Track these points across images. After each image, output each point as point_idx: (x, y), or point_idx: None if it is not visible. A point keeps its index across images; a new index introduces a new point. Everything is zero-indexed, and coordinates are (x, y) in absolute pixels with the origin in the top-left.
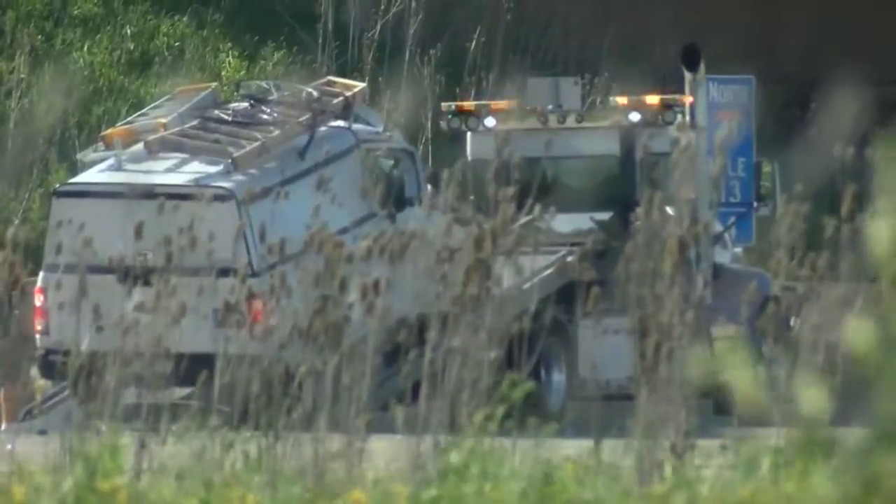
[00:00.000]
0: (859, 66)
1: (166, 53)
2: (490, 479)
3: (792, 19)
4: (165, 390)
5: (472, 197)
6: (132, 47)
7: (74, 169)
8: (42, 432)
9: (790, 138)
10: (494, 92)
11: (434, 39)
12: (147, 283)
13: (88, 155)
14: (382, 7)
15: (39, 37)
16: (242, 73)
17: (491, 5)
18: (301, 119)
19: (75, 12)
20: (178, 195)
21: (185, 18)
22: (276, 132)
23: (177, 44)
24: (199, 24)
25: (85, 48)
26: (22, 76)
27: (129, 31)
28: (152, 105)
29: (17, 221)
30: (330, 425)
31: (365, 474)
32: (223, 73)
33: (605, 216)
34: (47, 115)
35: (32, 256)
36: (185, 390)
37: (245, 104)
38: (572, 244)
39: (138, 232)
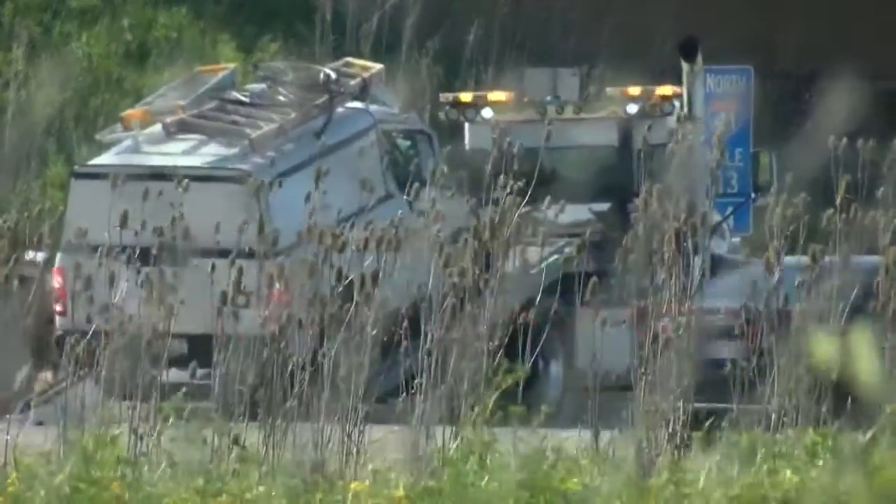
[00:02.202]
0: (856, 61)
1: (164, 44)
2: (488, 470)
3: (790, 15)
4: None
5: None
6: (130, 38)
7: (72, 160)
8: (39, 423)
9: (788, 129)
10: (493, 84)
11: (432, 31)
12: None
13: (107, 136)
14: None
15: (37, 28)
16: (239, 64)
17: None
18: (318, 101)
19: (73, 4)
20: (196, 177)
21: (182, 10)
22: (294, 114)
23: (174, 35)
24: (197, 15)
25: (83, 39)
26: (19, 68)
27: (126, 23)
28: (170, 86)
29: (15, 213)
30: (328, 415)
31: (363, 465)
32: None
33: (603, 207)
34: (45, 106)
35: (33, 246)
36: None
37: (262, 86)
38: (570, 235)
39: (126, 216)
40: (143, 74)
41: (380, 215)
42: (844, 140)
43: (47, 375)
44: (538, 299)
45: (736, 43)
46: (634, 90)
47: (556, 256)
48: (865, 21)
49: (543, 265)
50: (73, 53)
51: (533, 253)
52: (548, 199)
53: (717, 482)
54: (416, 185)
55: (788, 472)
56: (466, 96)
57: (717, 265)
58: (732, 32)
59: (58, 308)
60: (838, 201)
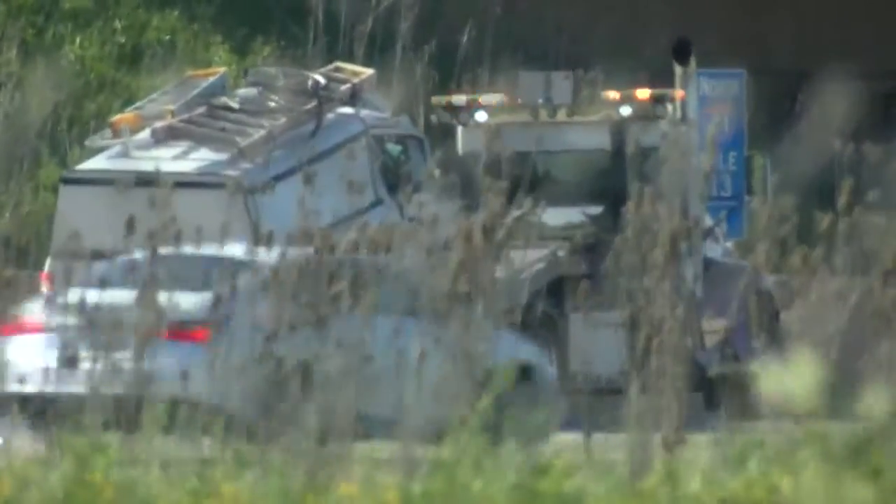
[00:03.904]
0: (850, 59)
1: (157, 47)
2: (480, 474)
3: (783, 14)
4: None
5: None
6: (123, 41)
7: (65, 163)
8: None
9: (782, 132)
10: (486, 87)
11: (426, 33)
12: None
13: (96, 141)
14: (374, 1)
15: (30, 30)
16: (233, 66)
17: (483, 0)
18: (308, 106)
19: (66, 6)
20: (185, 183)
21: (175, 12)
22: (283, 120)
23: (167, 37)
24: (190, 17)
25: (76, 42)
26: (12, 70)
27: (119, 25)
28: (161, 91)
29: (8, 215)
30: (320, 419)
31: (355, 469)
32: (213, 67)
33: (596, 210)
34: (38, 109)
35: (22, 249)
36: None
37: (253, 91)
38: (563, 238)
39: (129, 223)
40: (137, 77)
41: (370, 220)
42: (846, 144)
43: None
44: (529, 303)
45: (729, 41)
46: (627, 93)
47: (545, 261)
48: (861, 19)
49: (534, 269)
50: (66, 56)
51: (524, 257)
52: (533, 201)
53: (710, 485)
54: (407, 189)
55: (782, 476)
56: (459, 99)
57: (709, 269)
58: (726, 31)
59: None
60: (839, 205)
